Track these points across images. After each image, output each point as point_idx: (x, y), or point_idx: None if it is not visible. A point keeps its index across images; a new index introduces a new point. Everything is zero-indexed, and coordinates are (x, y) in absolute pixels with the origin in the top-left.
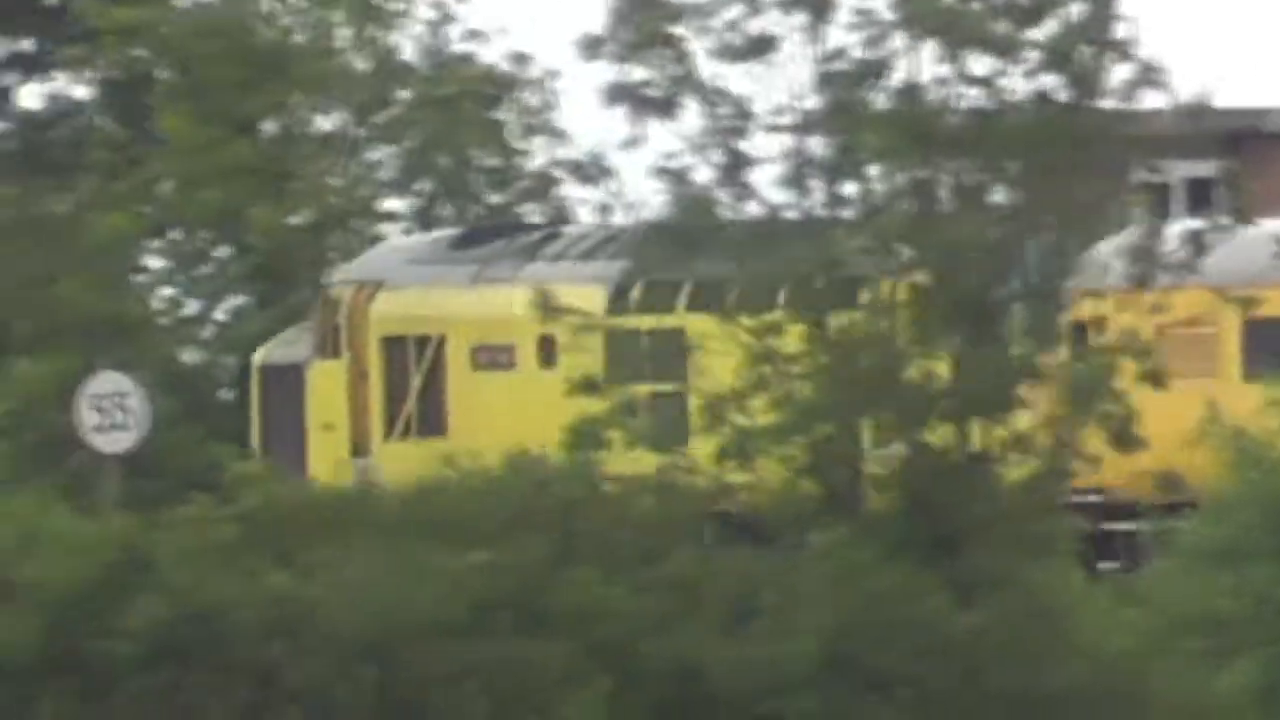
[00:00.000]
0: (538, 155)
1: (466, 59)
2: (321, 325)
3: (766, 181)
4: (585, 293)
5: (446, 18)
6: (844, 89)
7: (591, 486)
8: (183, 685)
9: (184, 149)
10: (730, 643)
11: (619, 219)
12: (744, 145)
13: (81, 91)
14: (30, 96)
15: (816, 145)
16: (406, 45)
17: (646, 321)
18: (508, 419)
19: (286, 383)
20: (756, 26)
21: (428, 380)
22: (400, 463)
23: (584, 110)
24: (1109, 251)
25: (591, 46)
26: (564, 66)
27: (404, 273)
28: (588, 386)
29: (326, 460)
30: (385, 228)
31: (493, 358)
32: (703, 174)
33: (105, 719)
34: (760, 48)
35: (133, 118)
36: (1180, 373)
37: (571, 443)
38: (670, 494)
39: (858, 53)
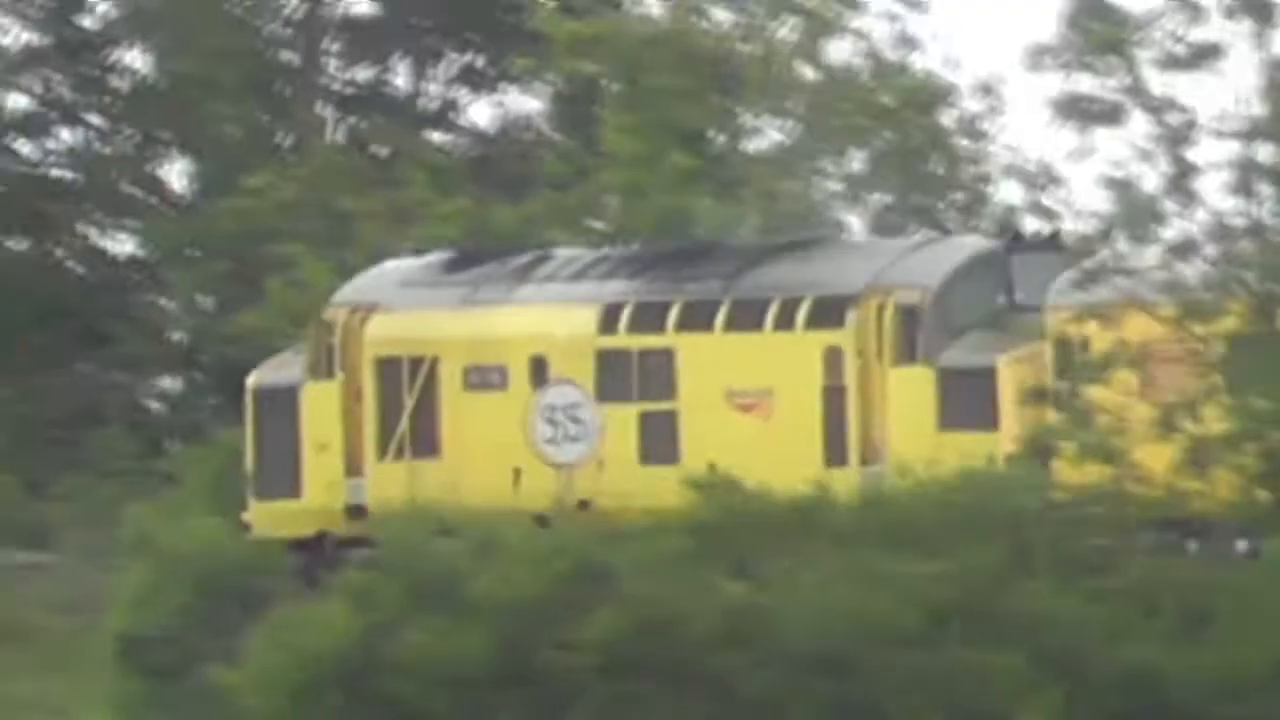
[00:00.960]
0: (984, 164)
1: (904, 68)
2: (316, 347)
3: (1214, 189)
4: (576, 314)
5: (897, 28)
6: None
7: (1043, 496)
8: (640, 696)
9: (629, 160)
10: (1185, 650)
11: (1066, 226)
12: (1190, 153)
13: (532, 105)
14: (481, 111)
15: (1264, 152)
16: (850, 53)
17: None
18: (500, 439)
19: (281, 404)
20: (1201, 34)
21: (421, 401)
22: (394, 483)
23: (1026, 119)
24: None
25: (1038, 55)
26: (1004, 75)
27: (397, 296)
28: (1037, 395)
29: (321, 480)
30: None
31: (484, 378)
32: (1150, 182)
33: None
34: (1205, 55)
35: (582, 130)
36: None
37: (1023, 452)
38: (1122, 503)
39: None
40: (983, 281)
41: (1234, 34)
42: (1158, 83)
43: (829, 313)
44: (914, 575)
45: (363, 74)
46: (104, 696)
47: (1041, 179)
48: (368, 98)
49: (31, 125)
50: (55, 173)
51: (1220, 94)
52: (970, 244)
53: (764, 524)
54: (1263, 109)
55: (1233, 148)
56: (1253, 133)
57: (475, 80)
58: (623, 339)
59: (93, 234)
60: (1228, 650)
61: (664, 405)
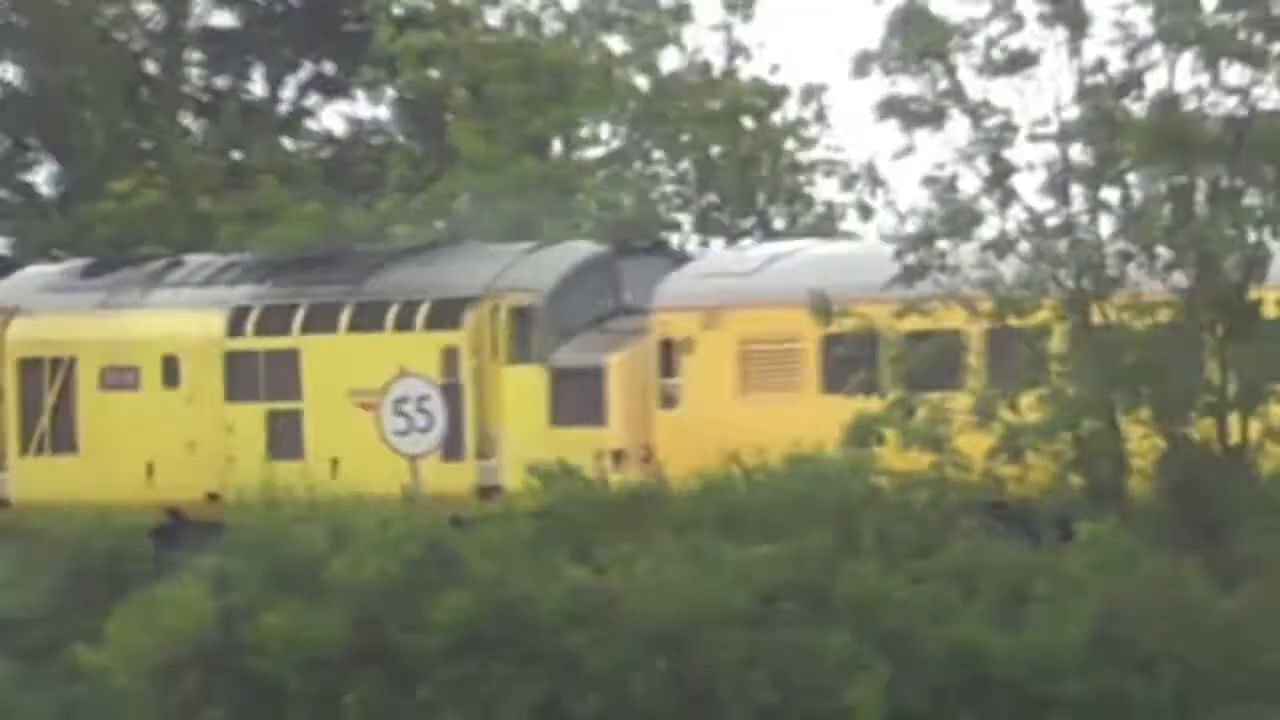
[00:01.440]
0: (809, 167)
1: (731, 74)
2: None
3: (1030, 190)
4: (205, 318)
5: (729, 36)
6: (1104, 99)
7: (870, 482)
8: (488, 674)
9: (476, 165)
10: (1004, 629)
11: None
12: (1008, 154)
13: (379, 112)
14: (333, 117)
15: (1078, 153)
16: (680, 62)
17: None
18: (133, 436)
19: None
20: (1018, 42)
21: (60, 400)
22: (36, 478)
23: (850, 123)
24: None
25: (863, 62)
26: (829, 82)
27: (38, 299)
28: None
29: None
30: (673, 238)
31: (120, 378)
32: (969, 183)
33: (410, 708)
34: (1022, 62)
35: (428, 136)
36: None
37: (849, 440)
38: (944, 488)
39: (1117, 65)
40: (593, 285)
41: (1050, 42)
42: (977, 88)
43: (447, 314)
44: (747, 558)
45: (221, 82)
46: None
47: (864, 179)
48: (226, 104)
49: None
50: None
51: (1037, 98)
52: (582, 249)
53: (605, 510)
54: (1076, 113)
55: (1049, 150)
56: (1067, 135)
57: (327, 87)
58: (250, 341)
59: None
60: (1044, 629)
61: (290, 405)
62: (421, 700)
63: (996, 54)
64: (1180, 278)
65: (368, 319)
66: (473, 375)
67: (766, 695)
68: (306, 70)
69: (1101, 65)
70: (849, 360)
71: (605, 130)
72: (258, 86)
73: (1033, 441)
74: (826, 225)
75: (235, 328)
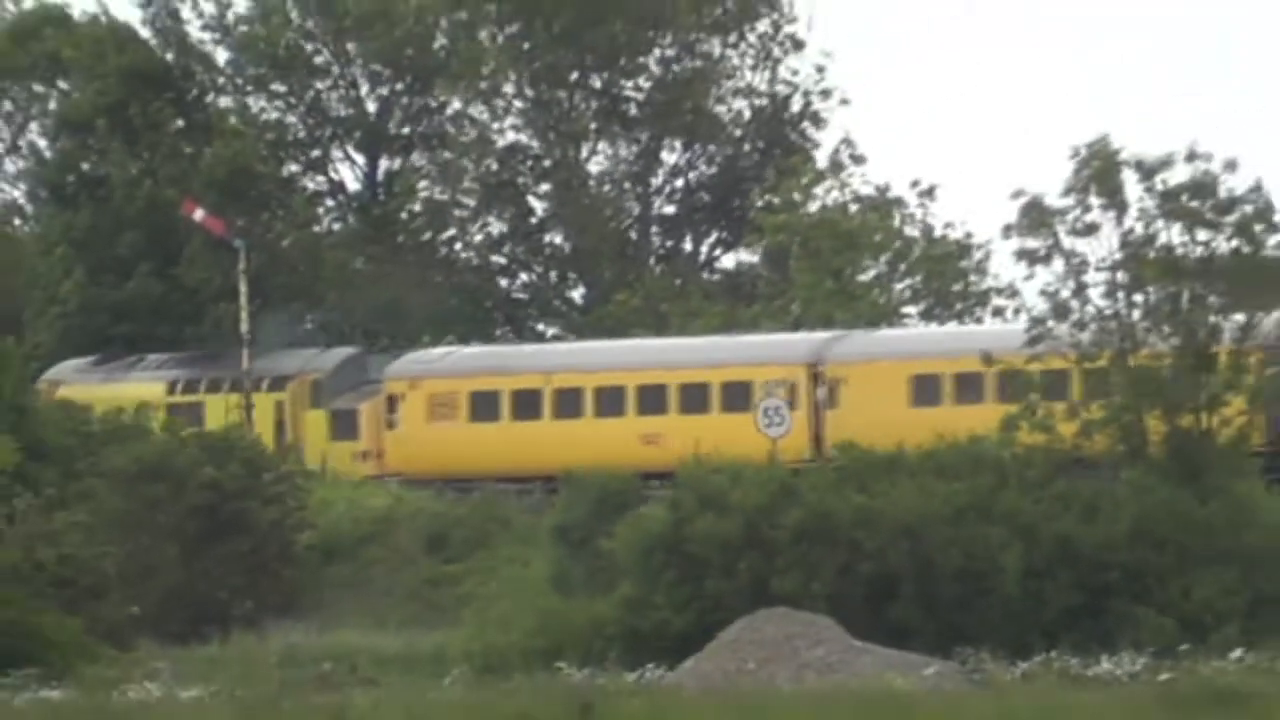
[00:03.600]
0: None
1: None
2: None
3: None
4: (154, 386)
5: None
6: (1134, 248)
7: (1013, 450)
8: None
9: None
10: (1084, 526)
11: None
12: (1084, 278)
13: None
14: None
15: (1120, 277)
16: None
17: None
18: None
19: None
20: (1089, 218)
21: None
22: None
23: None
24: None
25: (1008, 230)
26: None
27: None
28: None
29: None
30: None
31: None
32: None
33: None
34: (1091, 229)
35: None
36: None
37: (1001, 428)
38: (1050, 453)
39: (1140, 230)
40: (352, 369)
41: (1105, 218)
42: (1068, 242)
43: (280, 384)
44: (951, 489)
45: None
46: None
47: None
48: None
49: None
50: None
51: (1099, 247)
52: (346, 351)
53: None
54: (1119, 255)
55: (1105, 276)
56: (1114, 268)
57: None
58: (178, 398)
59: None
60: (1104, 527)
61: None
62: None
63: (1078, 225)
64: (1175, 340)
65: (240, 385)
66: (291, 416)
67: (960, 560)
68: None
69: (1132, 230)
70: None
71: None
72: None
73: (1099, 428)
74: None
75: (170, 391)
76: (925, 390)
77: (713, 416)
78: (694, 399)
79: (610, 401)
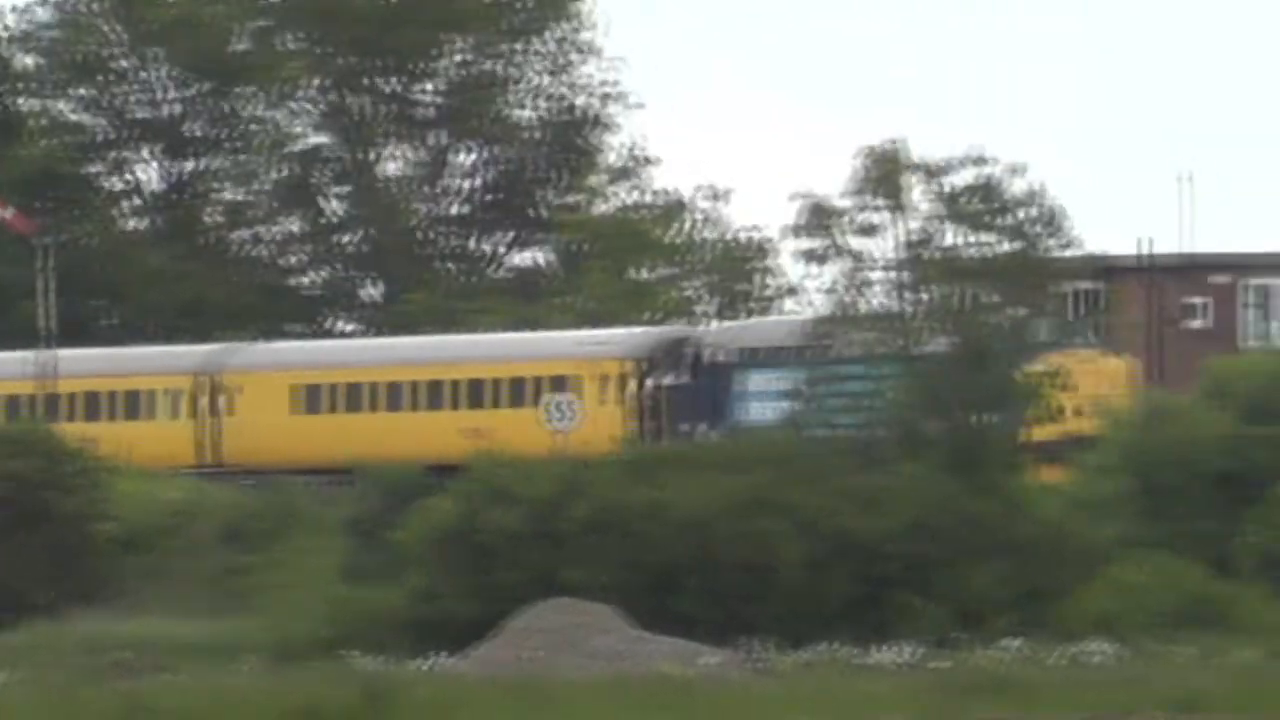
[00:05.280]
0: None
1: None
2: None
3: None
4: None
5: None
6: (915, 249)
7: None
8: None
9: None
10: (860, 515)
11: None
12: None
13: None
14: None
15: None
16: None
17: None
18: None
19: None
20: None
21: None
22: None
23: None
24: None
25: (788, 232)
26: None
27: None
28: None
29: None
30: None
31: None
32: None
33: None
34: (872, 230)
35: None
36: None
37: None
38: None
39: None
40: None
41: (886, 219)
42: (849, 243)
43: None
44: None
45: None
46: None
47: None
48: None
49: None
50: None
51: (880, 248)
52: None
53: None
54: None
55: (887, 275)
56: (895, 268)
57: None
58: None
59: None
60: (887, 517)
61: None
62: None
63: (859, 226)
64: (953, 339)
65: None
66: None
67: (743, 552)
68: None
69: (913, 232)
70: None
71: None
72: None
73: (880, 423)
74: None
75: None
76: (311, 400)
77: None
78: None
79: None
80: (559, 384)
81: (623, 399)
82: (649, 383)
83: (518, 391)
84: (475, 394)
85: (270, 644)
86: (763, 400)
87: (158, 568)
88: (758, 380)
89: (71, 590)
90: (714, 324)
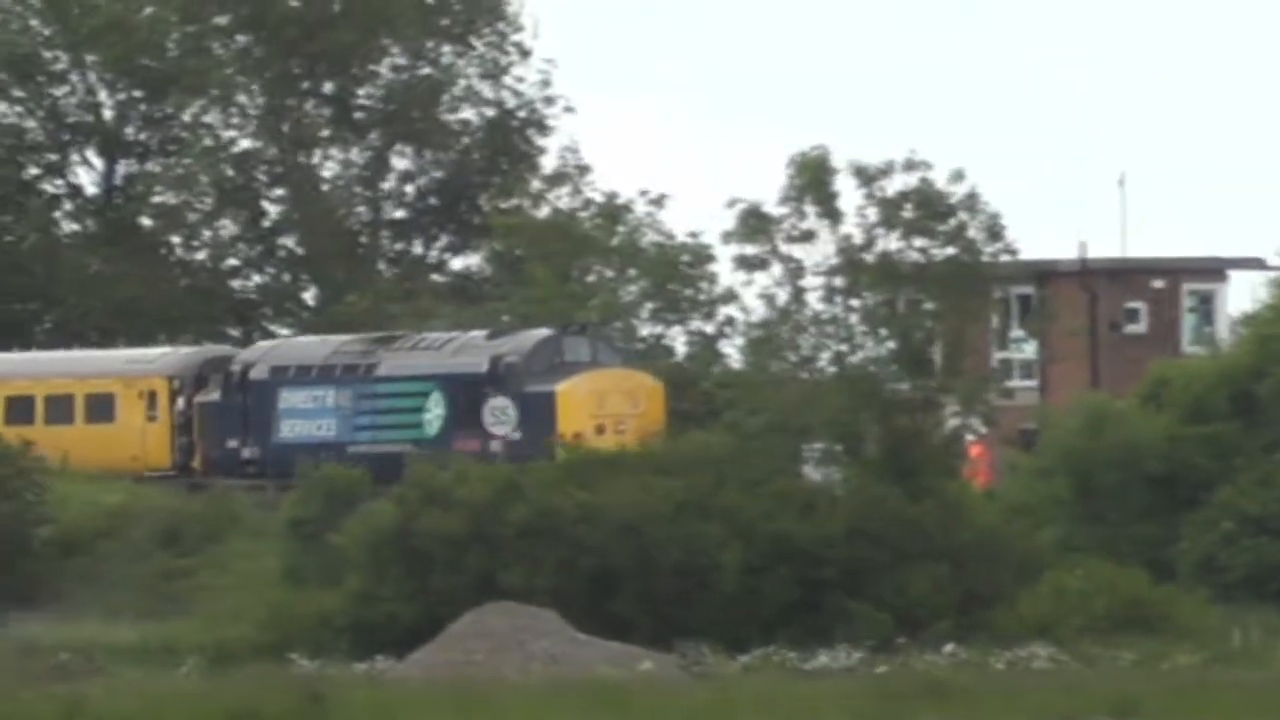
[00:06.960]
0: None
1: None
2: None
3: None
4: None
5: None
6: (851, 254)
7: None
8: None
9: None
10: (800, 523)
11: None
12: (802, 283)
13: None
14: None
15: (838, 282)
16: None
17: None
18: None
19: None
20: (806, 225)
21: None
22: None
23: None
24: None
25: (727, 238)
26: None
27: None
28: None
29: None
30: None
31: None
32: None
33: None
34: (808, 237)
35: None
36: None
37: None
38: None
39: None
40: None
41: (822, 226)
42: (786, 249)
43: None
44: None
45: None
46: None
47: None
48: None
49: None
50: None
51: (816, 253)
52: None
53: None
54: (836, 261)
55: (823, 280)
56: (832, 273)
57: None
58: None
59: None
60: (816, 526)
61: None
62: None
63: (795, 232)
64: (890, 344)
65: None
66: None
67: (680, 556)
68: None
69: (850, 237)
70: None
71: None
72: None
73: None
74: None
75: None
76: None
77: None
78: None
79: None
80: (104, 401)
81: (169, 417)
82: (180, 400)
83: (64, 408)
84: (24, 410)
85: (210, 647)
86: (294, 418)
87: (95, 571)
88: (288, 398)
89: (9, 593)
90: (262, 343)
